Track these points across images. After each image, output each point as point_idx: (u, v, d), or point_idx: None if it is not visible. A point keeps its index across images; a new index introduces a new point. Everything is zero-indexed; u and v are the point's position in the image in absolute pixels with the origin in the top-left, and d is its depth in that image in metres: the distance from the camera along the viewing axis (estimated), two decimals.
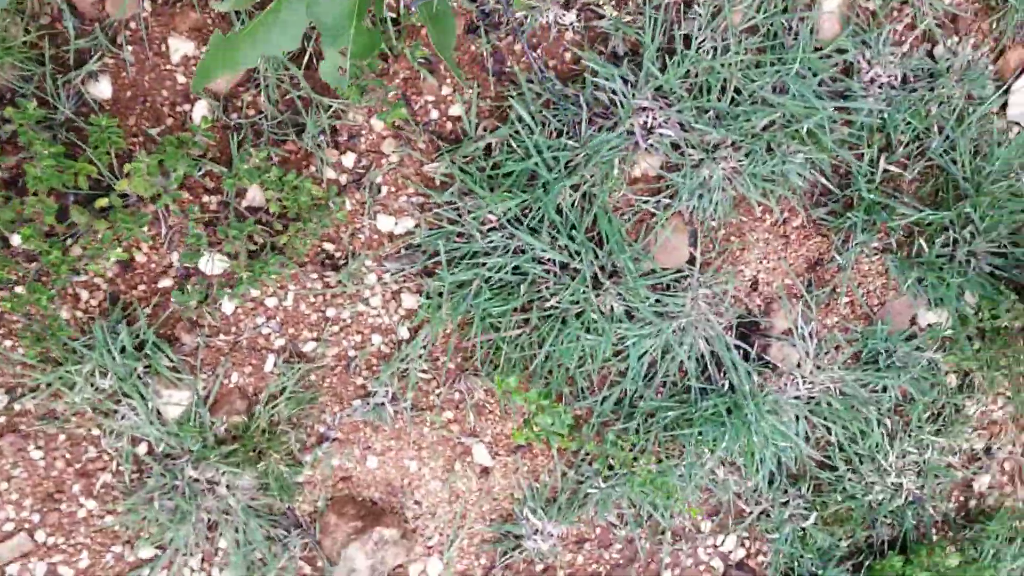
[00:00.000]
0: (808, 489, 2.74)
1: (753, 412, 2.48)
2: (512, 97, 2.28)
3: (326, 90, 2.20)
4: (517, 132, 2.28)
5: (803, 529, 2.73)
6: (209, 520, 2.30)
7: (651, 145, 2.38)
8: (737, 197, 2.49)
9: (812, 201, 2.57)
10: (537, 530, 2.55)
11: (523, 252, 2.35)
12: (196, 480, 2.25)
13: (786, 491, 2.73)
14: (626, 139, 2.34)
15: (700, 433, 2.51)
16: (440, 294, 2.36)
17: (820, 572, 2.73)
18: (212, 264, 2.15)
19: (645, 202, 2.42)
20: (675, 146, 2.39)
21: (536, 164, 2.27)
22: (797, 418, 2.65)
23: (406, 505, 2.48)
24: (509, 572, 2.58)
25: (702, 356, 2.54)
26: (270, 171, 2.00)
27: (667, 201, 2.42)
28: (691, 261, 2.49)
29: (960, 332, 2.61)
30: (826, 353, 2.62)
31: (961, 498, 2.91)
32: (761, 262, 2.56)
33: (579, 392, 2.51)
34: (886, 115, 2.48)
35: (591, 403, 2.51)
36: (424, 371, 2.42)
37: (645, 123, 2.36)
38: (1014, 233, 2.61)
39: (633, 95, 2.32)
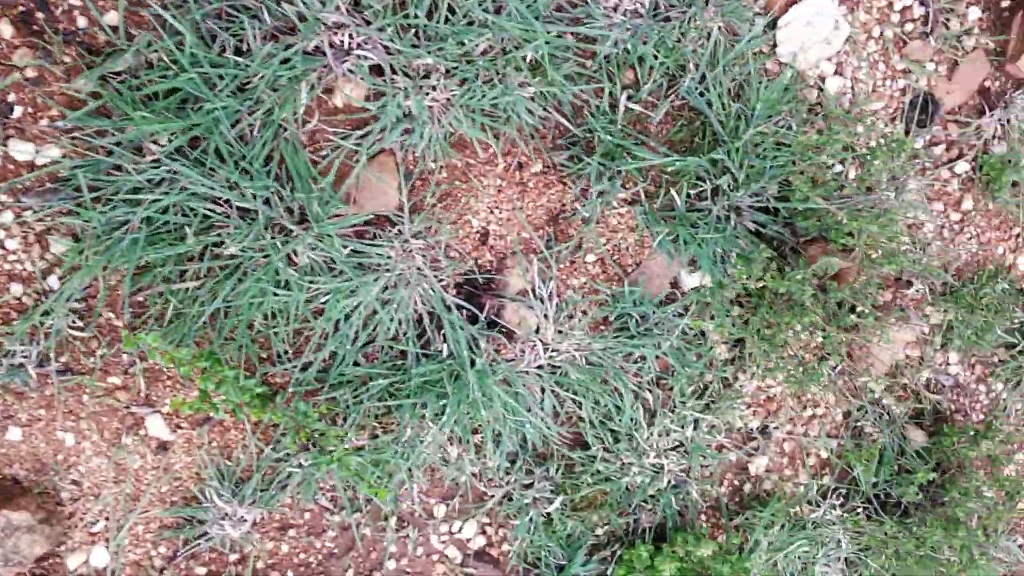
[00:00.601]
0: (558, 470, 2.50)
1: (474, 381, 2.22)
2: (170, 5, 1.97)
3: None
4: (175, 47, 1.96)
5: (548, 515, 2.48)
6: None
7: (349, 70, 2.08)
8: (460, 136, 2.21)
9: (552, 145, 2.31)
10: (226, 515, 2.26)
11: (191, 190, 2.04)
12: None
13: (531, 472, 2.49)
14: (314, 60, 2.04)
15: (416, 405, 2.24)
16: (98, 237, 2.04)
17: (567, 563, 2.49)
18: None
19: (344, 137, 2.13)
20: (379, 71, 2.10)
21: (194, 82, 1.95)
22: (543, 391, 2.41)
23: (61, 485, 2.16)
24: (196, 563, 2.29)
25: (421, 319, 2.27)
26: None
27: (377, 139, 2.13)
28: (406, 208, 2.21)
29: (716, 296, 2.38)
30: (570, 317, 2.37)
31: (735, 482, 2.70)
32: (493, 212, 2.30)
33: (276, 356, 2.22)
34: (630, 47, 2.23)
35: (289, 368, 2.22)
36: (79, 328, 2.10)
37: (342, 42, 2.06)
38: (783, 187, 2.38)
39: (322, 7, 2.02)
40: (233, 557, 2.32)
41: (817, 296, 2.37)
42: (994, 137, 2.71)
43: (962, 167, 2.70)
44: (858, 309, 2.29)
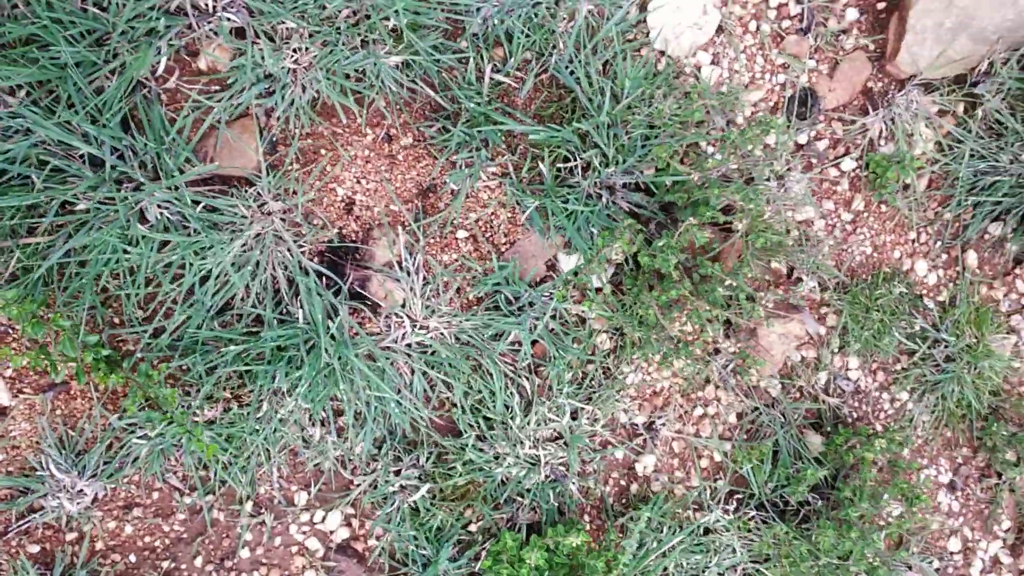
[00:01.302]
0: (428, 459, 2.49)
1: (330, 349, 2.24)
2: None
3: None
4: None
5: (414, 504, 2.46)
6: None
7: (212, 31, 2.19)
8: (325, 104, 2.31)
9: (423, 117, 2.40)
10: (64, 487, 2.23)
11: (42, 138, 2.11)
12: None
13: (399, 459, 2.48)
14: (177, 19, 2.14)
15: (270, 374, 2.25)
16: None
17: (434, 557, 2.45)
18: None
19: (209, 96, 2.22)
20: (241, 34, 2.21)
21: (48, 30, 2.05)
22: (412, 372, 2.43)
23: None
24: (28, 540, 2.24)
25: (279, 288, 2.30)
26: None
27: (236, 99, 2.22)
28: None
29: (584, 274, 2.44)
30: (438, 293, 2.41)
31: (621, 482, 2.69)
32: (359, 182, 2.37)
33: (128, 320, 2.25)
34: (498, 21, 2.35)
35: (139, 332, 2.24)
36: None
37: (206, 5, 2.18)
38: (660, 171, 2.47)
39: None
40: (70, 536, 2.28)
41: (692, 276, 2.43)
42: (880, 137, 2.83)
43: (848, 164, 2.80)
44: (726, 282, 2.35)
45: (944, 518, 3.09)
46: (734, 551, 2.71)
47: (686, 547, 2.65)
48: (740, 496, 2.78)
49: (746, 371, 2.65)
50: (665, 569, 2.63)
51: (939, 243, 3.00)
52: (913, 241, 2.97)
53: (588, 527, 2.64)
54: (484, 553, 2.52)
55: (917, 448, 3.02)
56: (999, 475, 3.16)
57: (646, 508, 2.59)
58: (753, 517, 2.73)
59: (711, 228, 2.50)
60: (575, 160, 2.42)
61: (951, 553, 3.12)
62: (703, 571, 2.68)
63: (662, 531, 2.63)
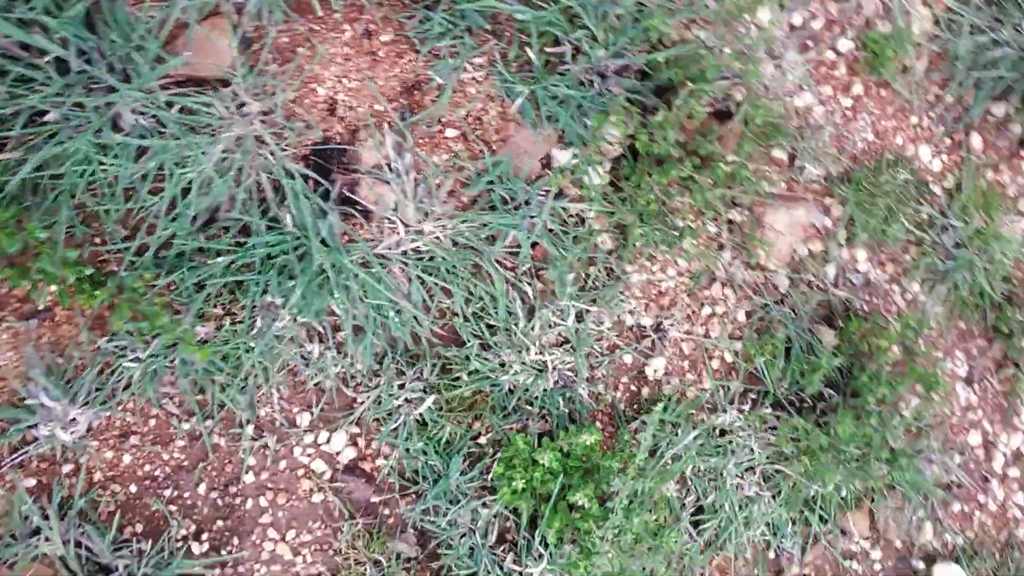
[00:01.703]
0: (432, 371, 2.45)
1: (322, 254, 2.19)
2: None
3: None
4: None
5: (421, 417, 2.42)
6: None
7: None
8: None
9: (402, 8, 2.34)
10: (55, 416, 2.18)
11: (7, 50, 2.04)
12: None
13: (402, 373, 2.44)
14: None
15: (261, 284, 2.20)
16: None
17: (444, 471, 2.41)
18: None
19: None
20: None
21: None
22: (410, 280, 2.38)
23: None
24: (23, 473, 2.19)
25: (265, 198, 2.25)
26: None
27: None
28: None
29: (581, 161, 2.39)
30: (428, 195, 2.36)
31: (632, 387, 2.66)
32: (341, 81, 2.32)
33: (109, 238, 2.19)
34: None
35: (121, 249, 2.18)
36: None
37: None
38: (653, 50, 2.42)
39: None
40: (66, 468, 2.23)
41: (692, 159, 2.39)
42: (876, 16, 2.80)
43: (845, 45, 2.77)
44: (728, 158, 2.31)
45: (963, 412, 3.08)
46: (751, 451, 2.69)
47: (703, 447, 2.63)
48: (754, 396, 2.76)
49: (752, 253, 2.61)
50: (682, 473, 2.61)
51: (942, 128, 2.97)
52: (915, 126, 2.94)
53: (600, 431, 2.61)
54: (495, 464, 2.48)
55: (932, 341, 3.00)
56: (1016, 364, 3.16)
57: (658, 407, 2.56)
58: (770, 412, 2.71)
59: (710, 111, 2.46)
60: (564, 45, 2.37)
61: (972, 448, 3.11)
62: (721, 474, 2.66)
63: (676, 433, 2.60)
